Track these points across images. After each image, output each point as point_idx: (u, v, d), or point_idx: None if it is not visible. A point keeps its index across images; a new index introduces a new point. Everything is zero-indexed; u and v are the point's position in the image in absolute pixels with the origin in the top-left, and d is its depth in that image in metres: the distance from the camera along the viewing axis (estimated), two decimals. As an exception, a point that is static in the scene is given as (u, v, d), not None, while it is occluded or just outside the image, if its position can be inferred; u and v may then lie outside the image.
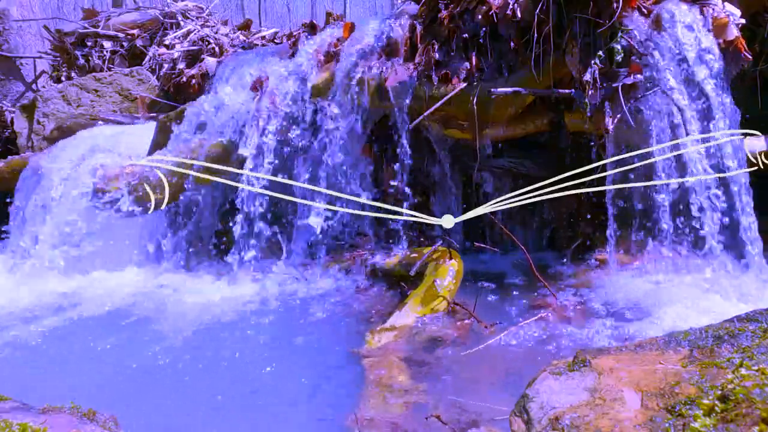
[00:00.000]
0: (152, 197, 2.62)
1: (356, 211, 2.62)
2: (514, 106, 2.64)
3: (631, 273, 2.47)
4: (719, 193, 2.27)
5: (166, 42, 4.96)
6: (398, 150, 2.79)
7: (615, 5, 2.32)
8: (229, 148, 2.96)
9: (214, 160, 2.85)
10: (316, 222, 2.80)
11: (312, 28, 3.73)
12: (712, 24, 2.31)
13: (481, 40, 2.65)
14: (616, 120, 2.31)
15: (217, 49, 4.74)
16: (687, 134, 2.24)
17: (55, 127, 4.21)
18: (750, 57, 2.35)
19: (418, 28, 2.81)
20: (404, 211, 2.43)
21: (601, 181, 2.27)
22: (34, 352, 2.06)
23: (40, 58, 5.40)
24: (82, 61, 5.09)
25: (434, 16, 2.78)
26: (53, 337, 2.20)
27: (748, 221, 2.25)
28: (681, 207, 2.36)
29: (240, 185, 2.65)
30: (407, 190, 2.80)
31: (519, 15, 2.54)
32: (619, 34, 2.33)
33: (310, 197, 2.67)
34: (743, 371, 0.84)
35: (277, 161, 2.91)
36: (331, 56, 2.99)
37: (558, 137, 2.82)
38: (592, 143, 2.63)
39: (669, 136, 2.30)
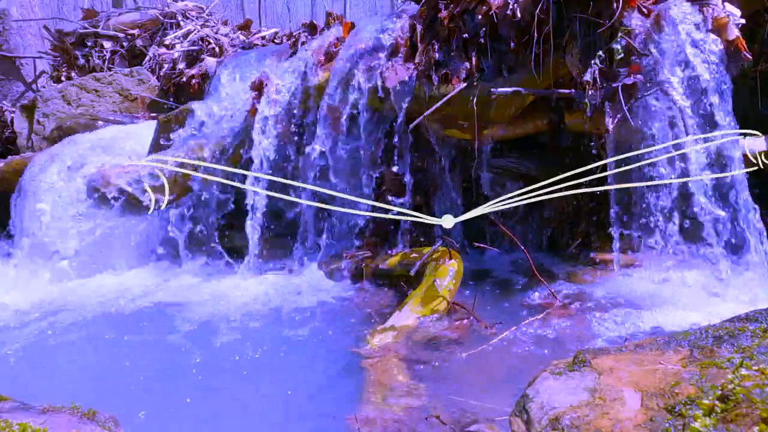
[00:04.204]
0: (152, 197, 2.62)
1: (356, 212, 2.61)
2: (514, 106, 2.64)
3: (632, 273, 2.47)
4: (719, 193, 2.27)
5: (166, 42, 4.96)
6: (397, 150, 2.79)
7: (615, 5, 2.31)
8: (230, 149, 2.96)
9: (215, 161, 2.86)
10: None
11: (312, 28, 3.74)
12: (712, 24, 2.31)
13: (481, 40, 2.65)
14: (616, 120, 2.31)
15: (217, 49, 4.74)
16: (687, 134, 2.24)
17: (55, 127, 4.21)
18: (750, 57, 2.34)
19: (418, 28, 2.81)
20: (404, 211, 2.43)
21: (602, 181, 2.26)
22: (35, 352, 2.06)
23: (40, 58, 5.40)
24: (82, 61, 5.09)
25: (434, 16, 2.78)
26: (53, 337, 2.20)
27: (749, 221, 2.25)
28: (682, 207, 2.35)
29: (241, 185, 2.65)
30: (407, 189, 2.80)
31: (519, 15, 2.54)
32: (619, 34, 2.33)
33: (311, 197, 2.67)
34: (743, 371, 0.84)
35: (277, 162, 2.91)
36: (332, 56, 2.99)
37: (558, 137, 2.81)
38: (592, 143, 2.63)
39: (668, 136, 2.30)
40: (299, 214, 3.01)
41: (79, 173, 3.05)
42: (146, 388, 1.74)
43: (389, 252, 2.74)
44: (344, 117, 2.85)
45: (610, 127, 2.32)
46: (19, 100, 5.05)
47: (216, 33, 4.96)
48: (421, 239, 2.90)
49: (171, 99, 4.52)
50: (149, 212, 2.77)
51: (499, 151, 2.91)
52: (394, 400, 1.55)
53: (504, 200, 1.60)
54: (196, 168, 2.67)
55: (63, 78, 5.02)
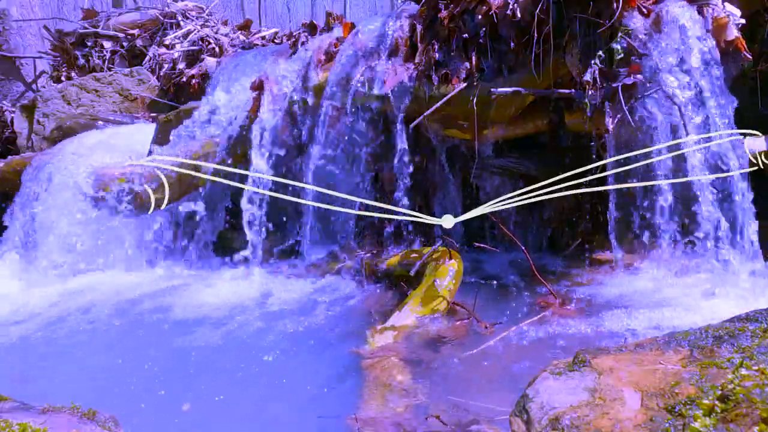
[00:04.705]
0: (152, 197, 2.62)
1: (356, 212, 2.62)
2: (514, 106, 2.64)
3: (632, 273, 2.47)
4: (719, 193, 2.27)
5: (166, 42, 4.96)
6: (397, 150, 2.79)
7: (615, 5, 2.31)
8: (230, 149, 2.96)
9: (215, 161, 2.86)
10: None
11: (312, 28, 3.74)
12: (712, 24, 2.31)
13: (481, 40, 2.65)
14: (616, 120, 2.31)
15: (217, 49, 4.74)
16: (687, 134, 2.24)
17: (55, 127, 4.21)
18: (750, 57, 2.35)
19: (418, 28, 2.81)
20: (404, 211, 2.43)
21: (602, 181, 2.26)
22: (35, 352, 2.06)
23: (40, 58, 5.41)
24: (82, 61, 5.09)
25: (434, 16, 2.78)
26: (53, 337, 2.20)
27: (749, 222, 2.25)
28: (681, 207, 2.35)
29: (241, 186, 2.65)
30: (407, 190, 2.81)
31: (519, 15, 2.54)
32: (619, 34, 2.33)
33: (310, 197, 2.67)
34: (743, 371, 0.84)
35: (277, 162, 2.91)
36: (331, 56, 2.99)
37: (558, 137, 2.82)
38: (592, 143, 2.63)
39: (668, 135, 2.30)
40: (298, 214, 3.01)
41: (79, 172, 3.05)
42: (146, 388, 1.74)
43: (389, 252, 2.74)
44: (344, 117, 2.85)
45: (610, 127, 2.32)
46: (19, 100, 5.05)
47: (216, 33, 4.97)
48: (421, 239, 2.90)
49: (171, 99, 4.53)
50: (149, 212, 2.77)
51: (499, 151, 2.91)
52: (394, 400, 1.55)
53: (504, 200, 1.60)
54: (196, 168, 2.67)
55: (63, 78, 5.03)
